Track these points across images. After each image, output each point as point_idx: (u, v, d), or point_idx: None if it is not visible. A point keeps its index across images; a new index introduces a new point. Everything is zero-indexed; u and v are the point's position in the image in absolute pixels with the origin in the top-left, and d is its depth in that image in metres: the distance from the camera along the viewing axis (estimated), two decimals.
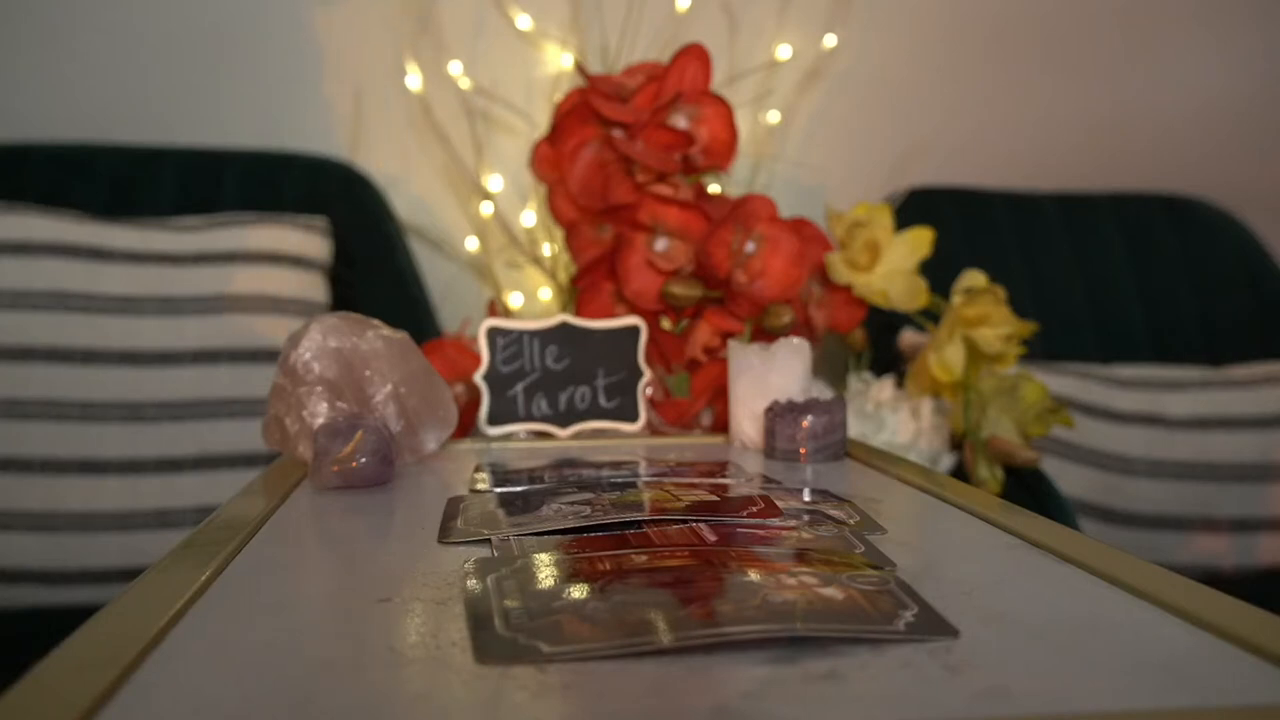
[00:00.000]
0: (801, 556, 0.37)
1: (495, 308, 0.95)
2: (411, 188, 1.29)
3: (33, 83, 1.19)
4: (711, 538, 0.40)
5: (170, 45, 1.21)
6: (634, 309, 0.81)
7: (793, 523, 0.44)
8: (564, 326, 0.70)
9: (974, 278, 0.89)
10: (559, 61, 1.28)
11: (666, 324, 0.85)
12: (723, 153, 0.82)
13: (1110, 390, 1.11)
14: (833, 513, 0.46)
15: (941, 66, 1.39)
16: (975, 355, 0.85)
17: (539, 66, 1.29)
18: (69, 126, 1.16)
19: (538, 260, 1.27)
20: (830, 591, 0.33)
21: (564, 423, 0.70)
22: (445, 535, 0.43)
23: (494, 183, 1.28)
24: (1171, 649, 0.29)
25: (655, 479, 0.54)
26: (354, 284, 1.11)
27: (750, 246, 0.79)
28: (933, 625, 0.31)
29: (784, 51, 1.32)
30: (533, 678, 0.27)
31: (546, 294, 1.30)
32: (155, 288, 0.98)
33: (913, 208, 1.24)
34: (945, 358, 0.85)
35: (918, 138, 1.39)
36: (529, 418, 0.69)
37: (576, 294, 0.86)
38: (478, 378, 0.69)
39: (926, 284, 0.87)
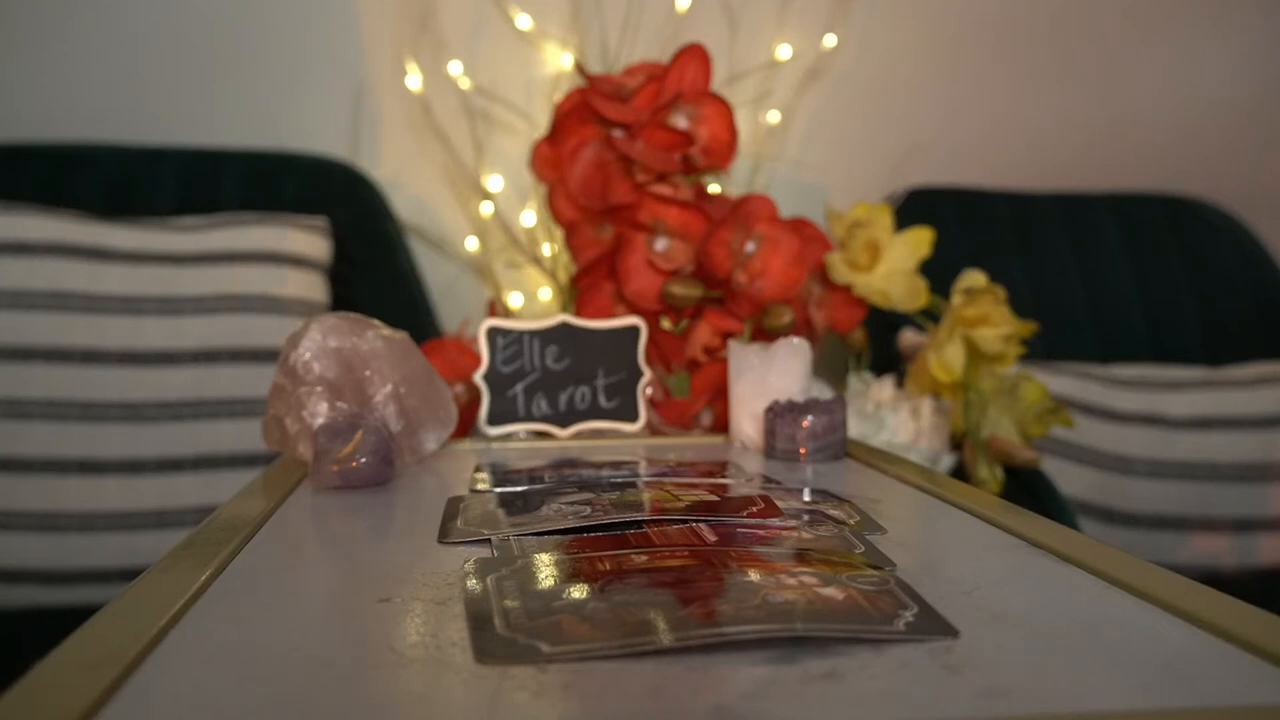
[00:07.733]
0: (801, 556, 0.37)
1: (495, 308, 0.95)
2: (411, 188, 1.29)
3: (32, 83, 1.19)
4: (711, 538, 0.40)
5: (170, 44, 1.21)
6: (634, 309, 0.81)
7: (793, 523, 0.44)
8: (564, 326, 0.70)
9: (974, 278, 0.89)
10: (559, 61, 1.28)
11: (666, 324, 0.84)
12: (723, 153, 0.82)
13: (1110, 390, 1.11)
14: (833, 513, 0.46)
15: (941, 66, 1.39)
16: (975, 355, 0.85)
17: (539, 66, 1.29)
18: (68, 126, 1.16)
19: (538, 260, 1.27)
20: (830, 591, 0.33)
21: (564, 423, 0.70)
22: (445, 535, 0.43)
23: (494, 183, 1.28)
24: (1171, 649, 0.29)
25: (655, 479, 0.54)
26: (354, 284, 1.11)
27: (750, 246, 0.79)
28: (933, 625, 0.30)
29: (784, 51, 1.32)
30: (533, 678, 0.27)
31: (546, 294, 1.30)
32: (155, 288, 0.98)
33: (913, 208, 1.24)
34: (945, 358, 0.85)
35: (918, 138, 1.39)
36: (529, 418, 0.69)
37: (576, 294, 0.86)
38: (478, 378, 0.69)
39: (926, 284, 0.87)
